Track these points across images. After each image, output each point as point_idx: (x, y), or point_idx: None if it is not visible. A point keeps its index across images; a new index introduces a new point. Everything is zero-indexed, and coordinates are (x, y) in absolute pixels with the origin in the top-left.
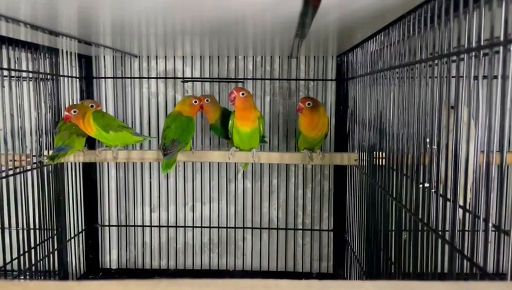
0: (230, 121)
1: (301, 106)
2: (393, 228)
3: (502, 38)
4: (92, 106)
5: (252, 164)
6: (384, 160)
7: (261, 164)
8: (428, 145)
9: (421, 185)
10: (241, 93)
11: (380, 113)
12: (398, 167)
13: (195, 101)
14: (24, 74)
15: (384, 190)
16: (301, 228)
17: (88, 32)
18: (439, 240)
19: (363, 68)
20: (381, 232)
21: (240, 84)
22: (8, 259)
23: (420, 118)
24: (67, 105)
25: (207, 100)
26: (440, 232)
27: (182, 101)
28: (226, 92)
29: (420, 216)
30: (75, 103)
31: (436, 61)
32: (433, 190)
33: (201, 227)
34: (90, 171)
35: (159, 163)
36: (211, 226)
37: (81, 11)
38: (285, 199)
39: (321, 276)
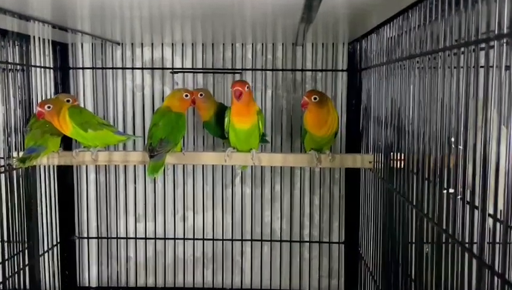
0: (226, 118)
1: (306, 100)
2: (414, 240)
3: None
4: (68, 101)
5: (252, 166)
6: (403, 162)
7: (262, 166)
8: (453, 146)
9: (445, 191)
10: (246, 87)
11: (398, 109)
12: (419, 170)
13: (187, 95)
14: None
15: (403, 197)
16: (308, 240)
17: (63, 16)
18: (466, 254)
19: (379, 57)
20: (399, 245)
21: (237, 76)
22: None
23: (444, 114)
24: (39, 99)
25: (201, 94)
26: (467, 245)
27: (171, 94)
28: (222, 85)
29: (444, 226)
30: (49, 97)
31: (462, 49)
32: (459, 197)
33: (194, 239)
34: (66, 176)
35: (144, 166)
36: (205, 238)
37: None
38: (290, 207)
39: None
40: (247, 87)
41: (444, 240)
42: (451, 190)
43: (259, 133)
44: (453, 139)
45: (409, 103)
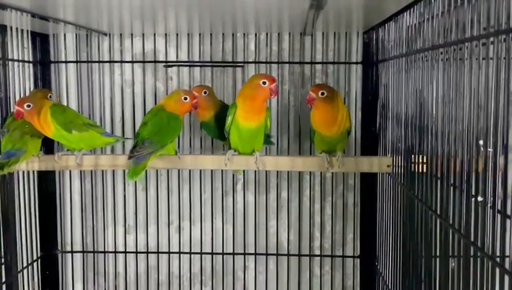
0: (229, 117)
1: (312, 95)
2: (438, 254)
3: None
4: (50, 97)
5: (255, 171)
6: (425, 166)
7: (266, 171)
8: (481, 148)
9: (473, 199)
10: (203, 92)
11: (419, 106)
12: (444, 175)
13: (186, 98)
14: None
15: (425, 205)
16: (319, 253)
17: (44, 4)
18: (497, 269)
19: (398, 48)
20: (421, 258)
21: (238, 70)
22: None
23: (472, 111)
24: (17, 97)
25: (205, 92)
26: (498, 259)
27: (170, 94)
28: (221, 80)
29: (472, 239)
30: (28, 94)
31: (491, 39)
32: (488, 205)
33: (190, 253)
34: (47, 182)
35: None
36: (203, 251)
37: None
38: (298, 217)
39: None
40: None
41: (472, 254)
42: (480, 198)
43: (265, 133)
44: (481, 142)
45: (432, 99)
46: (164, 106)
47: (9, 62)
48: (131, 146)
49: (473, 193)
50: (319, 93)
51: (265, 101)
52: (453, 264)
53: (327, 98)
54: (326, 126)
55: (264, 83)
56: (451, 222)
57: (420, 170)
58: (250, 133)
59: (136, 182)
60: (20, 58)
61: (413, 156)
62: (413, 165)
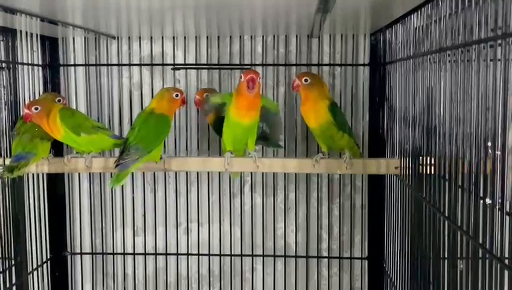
0: (226, 114)
1: (297, 82)
2: (446, 256)
3: None
4: (59, 101)
5: (263, 173)
6: (433, 168)
7: (274, 173)
8: (489, 150)
9: (481, 201)
10: (259, 77)
11: (427, 107)
12: (452, 177)
13: (177, 95)
14: None
15: (433, 207)
16: (327, 255)
17: (53, 8)
18: (506, 272)
19: (405, 49)
20: (430, 260)
21: None
22: None
23: (480, 113)
24: (27, 100)
25: (206, 95)
26: (507, 262)
27: (158, 94)
28: (229, 82)
29: (481, 241)
30: (37, 97)
31: (499, 41)
32: (497, 207)
33: (199, 255)
34: (56, 185)
35: (143, 174)
36: (211, 253)
37: None
38: (306, 219)
39: None
40: (260, 78)
41: (480, 256)
42: (488, 200)
43: (258, 132)
44: (489, 144)
45: (440, 100)
46: (155, 109)
47: (19, 65)
48: (119, 152)
49: (481, 195)
50: (303, 80)
51: (249, 96)
52: (462, 266)
53: (310, 85)
54: (310, 116)
55: (240, 77)
56: (459, 223)
57: (428, 172)
58: (243, 129)
59: (144, 184)
60: (30, 62)
61: (421, 157)
62: (421, 167)
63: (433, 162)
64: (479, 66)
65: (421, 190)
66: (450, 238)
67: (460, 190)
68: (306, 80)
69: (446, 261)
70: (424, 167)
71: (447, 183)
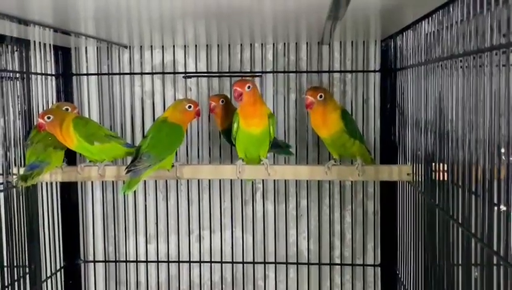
0: (234, 124)
1: (311, 99)
2: (460, 263)
3: None
4: (67, 109)
5: (274, 180)
6: (446, 174)
7: (285, 180)
8: (503, 156)
9: (495, 208)
10: (246, 86)
11: (439, 113)
12: (465, 183)
13: (190, 106)
14: None
15: (446, 213)
16: (339, 262)
17: (66, 19)
18: None
19: (416, 55)
20: (443, 268)
21: (257, 80)
22: None
23: (493, 119)
24: (41, 110)
25: (222, 101)
26: None
27: (173, 104)
28: None
29: (495, 248)
30: (50, 106)
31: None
32: (511, 214)
33: (211, 262)
34: (69, 193)
35: (156, 182)
36: (223, 261)
37: None
38: (318, 226)
39: None
40: (249, 87)
41: (495, 262)
42: (502, 207)
43: (270, 139)
44: (503, 150)
45: (452, 106)
46: (168, 117)
47: (33, 75)
48: (131, 160)
49: (495, 201)
50: (318, 97)
51: (254, 105)
52: (476, 273)
53: (324, 99)
54: (321, 128)
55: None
56: (473, 230)
57: (441, 178)
58: (256, 138)
59: (156, 191)
60: (43, 72)
61: (433, 164)
62: (433, 173)
63: (445, 168)
64: (491, 72)
65: (433, 196)
66: (464, 245)
67: (474, 196)
68: (321, 96)
69: (460, 268)
70: (437, 173)
71: (460, 189)
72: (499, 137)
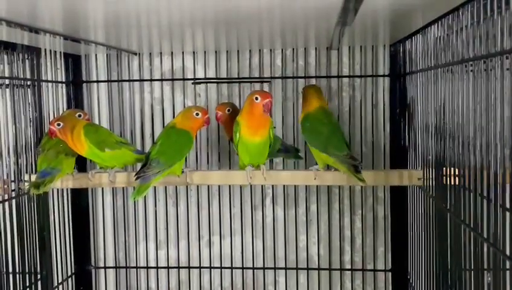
0: (236, 134)
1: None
2: (472, 267)
3: None
4: (79, 116)
5: (284, 185)
6: (456, 178)
7: (295, 185)
8: None
9: (507, 212)
10: (227, 109)
11: (449, 118)
12: (476, 188)
13: (197, 114)
14: None
15: (457, 218)
16: (349, 267)
17: (75, 27)
18: None
19: (426, 60)
20: (455, 272)
21: (265, 86)
22: None
23: (503, 123)
24: (51, 117)
25: (228, 110)
26: None
27: (182, 111)
28: None
29: (508, 252)
30: (61, 113)
31: None
32: None
33: (221, 268)
34: (80, 200)
35: (166, 188)
36: (233, 266)
37: (66, 2)
38: (328, 231)
39: None
40: (228, 110)
41: (508, 267)
42: None
43: (271, 146)
44: None
45: (463, 110)
46: (176, 124)
47: (43, 83)
48: (141, 166)
49: (507, 206)
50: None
51: (261, 116)
52: (489, 278)
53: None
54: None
55: (256, 98)
56: (485, 235)
57: (451, 183)
58: (256, 147)
59: (166, 197)
60: (54, 79)
61: (444, 168)
62: (444, 177)
63: (456, 172)
64: (502, 75)
65: (444, 201)
66: (476, 249)
67: (485, 200)
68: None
69: (472, 272)
70: (448, 178)
71: (471, 194)
72: (510, 141)
